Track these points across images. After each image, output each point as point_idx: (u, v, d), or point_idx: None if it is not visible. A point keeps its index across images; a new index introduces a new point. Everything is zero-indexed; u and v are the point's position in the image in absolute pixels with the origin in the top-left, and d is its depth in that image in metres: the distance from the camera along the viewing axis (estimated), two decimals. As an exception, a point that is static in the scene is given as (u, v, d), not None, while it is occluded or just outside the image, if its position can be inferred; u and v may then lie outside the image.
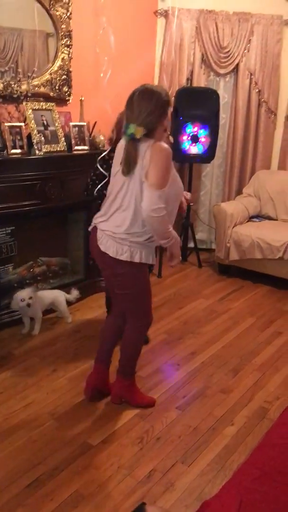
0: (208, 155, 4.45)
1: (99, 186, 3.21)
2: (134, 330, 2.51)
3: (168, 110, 2.19)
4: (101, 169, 2.97)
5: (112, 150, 2.88)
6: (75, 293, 3.57)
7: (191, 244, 4.85)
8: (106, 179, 2.84)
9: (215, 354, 3.16)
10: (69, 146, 3.56)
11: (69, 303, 3.54)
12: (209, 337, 3.38)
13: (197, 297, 4.03)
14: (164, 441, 2.34)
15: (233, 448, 2.31)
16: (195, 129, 4.34)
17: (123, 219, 2.21)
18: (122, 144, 2.23)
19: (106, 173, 2.89)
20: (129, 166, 2.13)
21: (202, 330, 3.48)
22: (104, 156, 3.17)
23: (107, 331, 2.64)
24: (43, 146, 3.30)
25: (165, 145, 2.14)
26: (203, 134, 4.35)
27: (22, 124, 3.28)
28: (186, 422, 2.48)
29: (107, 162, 3.09)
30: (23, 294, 3.17)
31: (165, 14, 4.57)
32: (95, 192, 3.23)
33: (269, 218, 4.68)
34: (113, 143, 2.94)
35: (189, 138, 4.37)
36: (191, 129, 4.35)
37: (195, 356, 3.13)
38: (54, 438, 2.33)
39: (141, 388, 2.70)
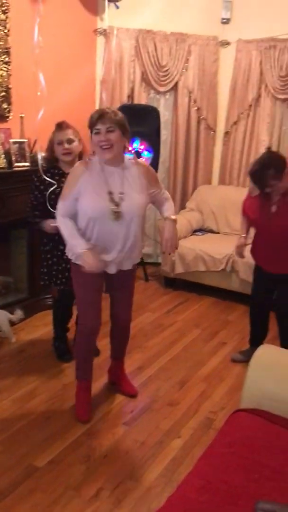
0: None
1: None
2: (77, 332, 2.70)
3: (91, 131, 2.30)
4: (48, 179, 2.92)
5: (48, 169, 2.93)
6: (18, 313, 3.50)
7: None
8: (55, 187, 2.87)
9: (162, 367, 3.18)
10: (9, 163, 3.52)
11: (12, 322, 3.46)
12: (156, 350, 3.40)
13: (144, 310, 4.05)
14: (112, 458, 2.32)
15: (180, 461, 2.33)
16: (142, 146, 4.40)
17: None
18: None
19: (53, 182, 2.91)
20: None
21: (149, 344, 3.50)
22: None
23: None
24: (-18, 163, 3.24)
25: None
26: (145, 152, 4.41)
27: None
28: (133, 437, 2.48)
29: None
30: None
31: (104, 33, 4.64)
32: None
33: (212, 231, 4.80)
34: (47, 162, 2.96)
35: (134, 153, 4.42)
36: (136, 145, 4.41)
37: (142, 370, 3.13)
38: (-3, 463, 2.26)
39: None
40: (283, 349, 2.18)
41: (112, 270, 2.47)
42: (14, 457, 2.30)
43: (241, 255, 3.22)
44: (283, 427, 1.82)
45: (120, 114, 2.33)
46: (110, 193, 2.34)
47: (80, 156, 2.86)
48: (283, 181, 2.72)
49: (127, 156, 2.45)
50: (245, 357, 3.12)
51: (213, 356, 3.36)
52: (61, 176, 2.86)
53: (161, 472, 2.24)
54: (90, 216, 2.35)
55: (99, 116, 2.26)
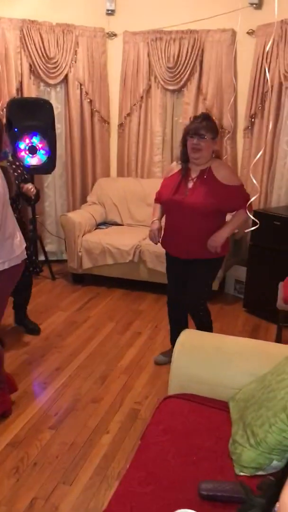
0: (48, 166, 4.40)
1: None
2: None
3: None
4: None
5: None
6: None
7: (41, 257, 4.74)
8: None
9: (81, 365, 3.14)
10: None
11: None
12: (72, 349, 3.34)
13: (55, 310, 3.96)
14: (42, 465, 2.24)
15: (112, 456, 2.31)
16: (40, 145, 4.25)
17: None
18: None
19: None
20: None
21: (65, 343, 3.42)
22: None
23: None
24: None
25: None
26: (37, 142, 4.28)
27: None
28: (61, 440, 2.42)
29: None
30: None
31: (-15, 23, 4.40)
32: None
33: (115, 224, 4.81)
34: None
35: (27, 150, 4.27)
36: (35, 140, 4.26)
37: (60, 371, 3.06)
38: None
39: (10, 415, 2.58)
40: (205, 332, 2.25)
41: None
42: None
43: (155, 238, 2.98)
44: (212, 408, 1.89)
45: None
46: None
47: None
48: (208, 145, 2.66)
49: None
50: (169, 358, 3.11)
51: (130, 348, 3.38)
52: None
53: (95, 470, 2.21)
54: None
55: None
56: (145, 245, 4.18)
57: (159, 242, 3.01)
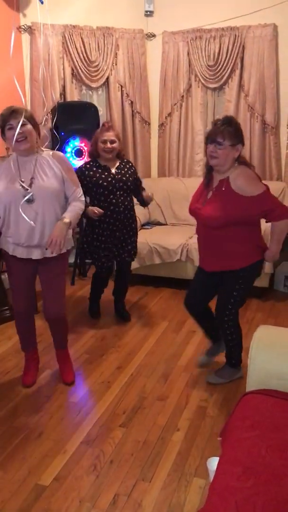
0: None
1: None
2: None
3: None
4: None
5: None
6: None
7: (89, 259, 4.78)
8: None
9: (141, 364, 3.16)
10: None
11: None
12: (130, 348, 3.37)
13: (109, 310, 3.99)
14: (118, 463, 2.27)
15: (186, 453, 2.33)
16: (82, 144, 4.31)
17: None
18: None
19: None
20: None
21: (121, 342, 3.45)
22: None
23: None
24: None
25: None
26: (83, 145, 4.33)
27: None
28: (133, 437, 2.44)
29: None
30: None
31: (29, 30, 4.47)
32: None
33: (159, 223, 4.83)
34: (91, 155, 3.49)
35: (73, 153, 4.32)
36: (74, 143, 4.31)
37: (122, 370, 3.09)
38: (1, 488, 2.12)
39: (78, 414, 2.63)
40: (282, 328, 2.24)
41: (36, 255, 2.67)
42: (17, 479, 2.17)
43: None
44: (296, 403, 1.88)
45: (28, 110, 2.62)
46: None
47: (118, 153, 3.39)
48: (225, 152, 2.49)
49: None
50: (212, 355, 3.11)
51: (187, 346, 3.39)
52: (98, 168, 3.37)
53: (172, 467, 2.23)
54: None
55: (11, 113, 2.46)
56: (193, 244, 4.19)
57: None
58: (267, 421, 1.80)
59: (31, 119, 2.53)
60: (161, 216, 4.83)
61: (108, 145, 3.31)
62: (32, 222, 2.51)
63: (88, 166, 3.41)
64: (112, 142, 3.32)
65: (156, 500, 2.05)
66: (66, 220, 2.58)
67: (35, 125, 2.57)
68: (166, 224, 4.81)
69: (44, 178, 2.56)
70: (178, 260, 4.22)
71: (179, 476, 2.18)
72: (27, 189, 2.51)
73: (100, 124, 4.38)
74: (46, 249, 2.59)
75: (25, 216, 2.47)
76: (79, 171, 3.33)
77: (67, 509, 2.01)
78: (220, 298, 2.79)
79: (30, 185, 2.52)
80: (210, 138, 2.53)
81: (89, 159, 3.53)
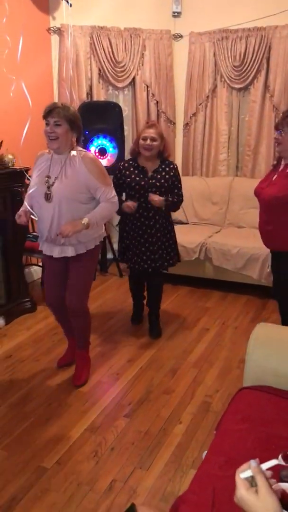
0: (116, 167, 4.52)
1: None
2: None
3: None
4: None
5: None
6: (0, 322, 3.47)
7: (110, 255, 4.90)
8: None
9: (151, 358, 3.23)
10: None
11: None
12: (142, 342, 3.44)
13: (123, 306, 4.08)
14: (119, 450, 2.35)
15: (186, 445, 2.38)
16: (106, 142, 4.41)
17: None
18: None
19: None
20: None
21: (134, 337, 3.53)
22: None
23: None
24: None
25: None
26: (110, 147, 4.43)
27: None
28: (136, 428, 2.52)
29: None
30: None
31: (58, 31, 4.61)
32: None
33: (180, 222, 4.87)
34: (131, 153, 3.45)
35: (97, 151, 4.43)
36: (98, 142, 4.41)
37: (132, 363, 3.17)
38: (5, 469, 2.24)
39: (86, 403, 2.71)
40: (279, 326, 2.27)
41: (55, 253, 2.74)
42: (21, 461, 2.28)
43: None
44: (289, 399, 1.91)
45: (71, 110, 2.58)
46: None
47: (159, 153, 3.30)
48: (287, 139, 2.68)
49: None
50: None
51: (198, 343, 3.44)
52: (135, 169, 3.31)
53: (170, 458, 2.29)
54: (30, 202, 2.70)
55: (50, 110, 2.52)
56: (211, 243, 4.22)
57: None
58: (257, 416, 1.83)
59: (71, 121, 2.54)
60: (182, 215, 4.88)
61: (148, 142, 3.20)
62: (35, 217, 2.65)
63: (126, 165, 3.35)
64: (152, 139, 3.21)
65: (151, 488, 2.11)
66: (83, 221, 2.57)
67: (75, 127, 2.58)
68: (187, 223, 4.85)
69: (64, 179, 2.58)
70: (196, 258, 4.26)
71: (176, 467, 2.24)
72: (49, 187, 2.58)
73: (124, 124, 4.51)
74: (57, 235, 2.60)
75: (32, 211, 2.62)
76: (117, 169, 3.36)
77: (65, 490, 2.10)
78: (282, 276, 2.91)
79: (52, 184, 2.58)
80: (275, 127, 2.79)
81: (129, 157, 3.44)
